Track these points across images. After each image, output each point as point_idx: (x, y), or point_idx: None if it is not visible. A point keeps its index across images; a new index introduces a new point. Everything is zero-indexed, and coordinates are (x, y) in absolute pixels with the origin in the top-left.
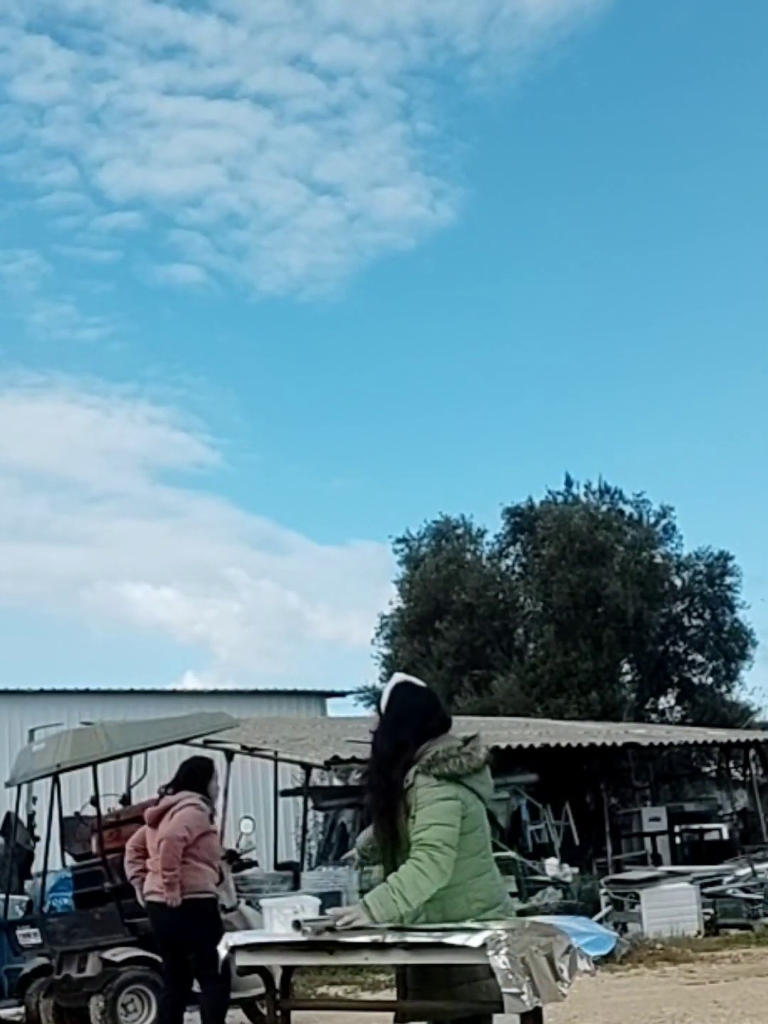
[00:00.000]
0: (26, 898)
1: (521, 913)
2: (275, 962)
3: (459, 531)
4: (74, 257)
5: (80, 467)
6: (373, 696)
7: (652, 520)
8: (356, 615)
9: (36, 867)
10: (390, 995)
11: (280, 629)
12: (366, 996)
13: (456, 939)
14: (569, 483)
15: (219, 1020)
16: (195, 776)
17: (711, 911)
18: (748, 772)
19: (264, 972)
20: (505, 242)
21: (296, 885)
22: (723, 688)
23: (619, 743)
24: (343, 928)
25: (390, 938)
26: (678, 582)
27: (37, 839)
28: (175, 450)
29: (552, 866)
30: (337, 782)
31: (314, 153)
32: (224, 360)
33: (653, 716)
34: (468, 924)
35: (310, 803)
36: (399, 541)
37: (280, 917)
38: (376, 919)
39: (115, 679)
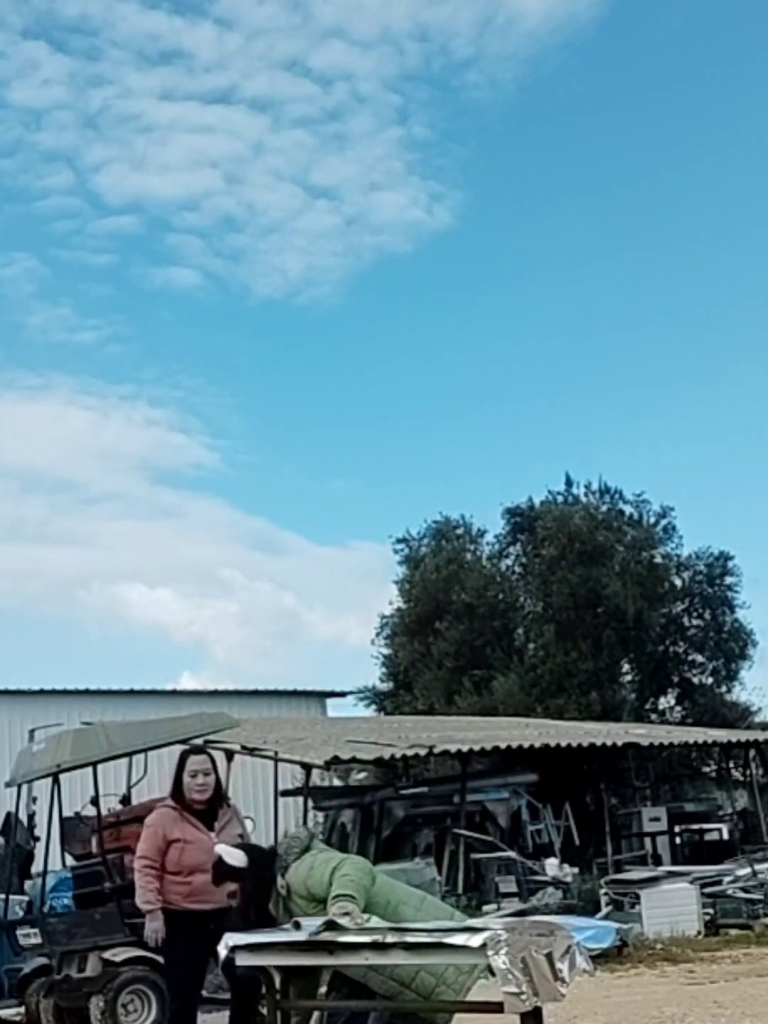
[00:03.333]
0: (26, 898)
1: (521, 913)
2: (275, 962)
3: (459, 531)
4: (71, 260)
5: (78, 468)
6: (374, 697)
7: (652, 520)
8: (353, 616)
9: (36, 867)
10: None
11: (277, 630)
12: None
13: (456, 939)
14: (569, 483)
15: None
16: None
17: (711, 911)
18: (748, 772)
19: (264, 972)
20: (502, 245)
21: None
22: (723, 688)
23: (619, 743)
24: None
25: (390, 938)
26: (678, 582)
27: (37, 839)
28: (173, 451)
29: (552, 866)
30: (337, 782)
31: (311, 157)
32: (222, 362)
33: (653, 716)
34: (469, 924)
35: (310, 803)
36: (399, 541)
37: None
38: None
39: (112, 679)
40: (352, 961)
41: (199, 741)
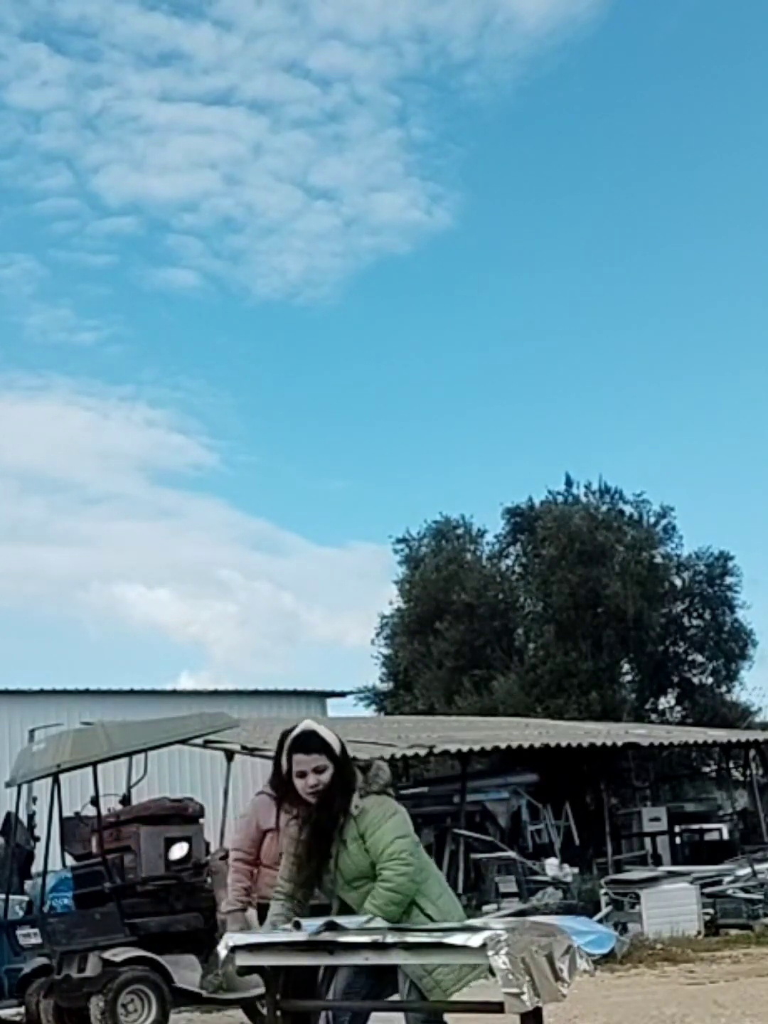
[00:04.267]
0: (26, 898)
1: (521, 913)
2: (275, 962)
3: (459, 531)
4: (70, 261)
5: (78, 469)
6: (374, 697)
7: (652, 520)
8: (352, 616)
9: (36, 867)
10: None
11: (276, 630)
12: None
13: (456, 939)
14: (569, 483)
15: None
16: None
17: (711, 911)
18: (748, 772)
19: (264, 972)
20: (501, 245)
21: None
22: (723, 688)
23: (619, 743)
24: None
25: (390, 938)
26: (678, 582)
27: (37, 839)
28: (173, 452)
29: (552, 866)
30: None
31: (310, 158)
32: (221, 363)
33: (653, 716)
34: (469, 923)
35: None
36: (399, 541)
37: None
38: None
39: (111, 679)
40: (352, 961)
41: (199, 741)
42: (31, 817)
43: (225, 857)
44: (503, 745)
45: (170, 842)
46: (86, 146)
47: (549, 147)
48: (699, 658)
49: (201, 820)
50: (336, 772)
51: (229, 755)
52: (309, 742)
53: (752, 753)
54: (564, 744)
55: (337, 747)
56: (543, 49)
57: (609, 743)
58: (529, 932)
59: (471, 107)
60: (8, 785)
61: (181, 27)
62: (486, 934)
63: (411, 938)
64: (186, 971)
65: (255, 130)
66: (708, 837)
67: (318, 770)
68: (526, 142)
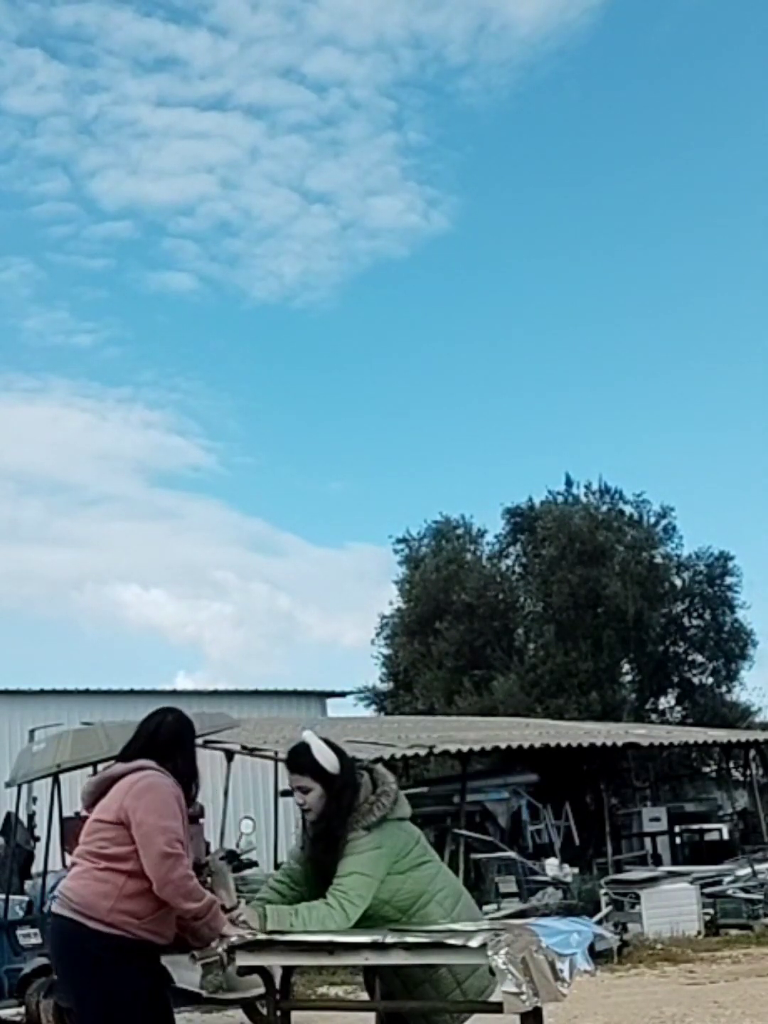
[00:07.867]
0: (26, 898)
1: (521, 914)
2: (275, 962)
3: (459, 531)
4: (67, 264)
5: (76, 470)
6: (373, 697)
7: (652, 520)
8: (349, 617)
9: (36, 867)
10: None
11: (273, 631)
12: (366, 996)
13: (456, 940)
14: (569, 483)
15: None
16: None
17: (711, 911)
18: (748, 772)
19: (264, 972)
20: (498, 248)
21: None
22: (723, 688)
23: (619, 743)
24: (238, 925)
25: (390, 939)
26: (678, 582)
27: (37, 839)
28: (171, 453)
29: (552, 866)
30: None
31: (306, 162)
32: (219, 365)
33: (653, 716)
34: (465, 926)
35: None
36: (399, 541)
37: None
38: (265, 930)
39: (108, 680)
40: (352, 961)
41: (199, 741)
42: (31, 817)
43: (225, 857)
44: (503, 745)
45: None
46: (82, 151)
47: (544, 150)
48: (699, 658)
49: (201, 820)
50: (329, 797)
51: (229, 755)
52: (295, 759)
53: (752, 753)
54: (564, 744)
55: (330, 767)
56: (538, 54)
57: (609, 743)
58: (526, 932)
59: (467, 112)
60: (8, 785)
61: (177, 33)
62: (485, 934)
63: (411, 938)
64: (186, 971)
65: (251, 135)
66: (708, 837)
67: (303, 790)
68: (521, 146)
